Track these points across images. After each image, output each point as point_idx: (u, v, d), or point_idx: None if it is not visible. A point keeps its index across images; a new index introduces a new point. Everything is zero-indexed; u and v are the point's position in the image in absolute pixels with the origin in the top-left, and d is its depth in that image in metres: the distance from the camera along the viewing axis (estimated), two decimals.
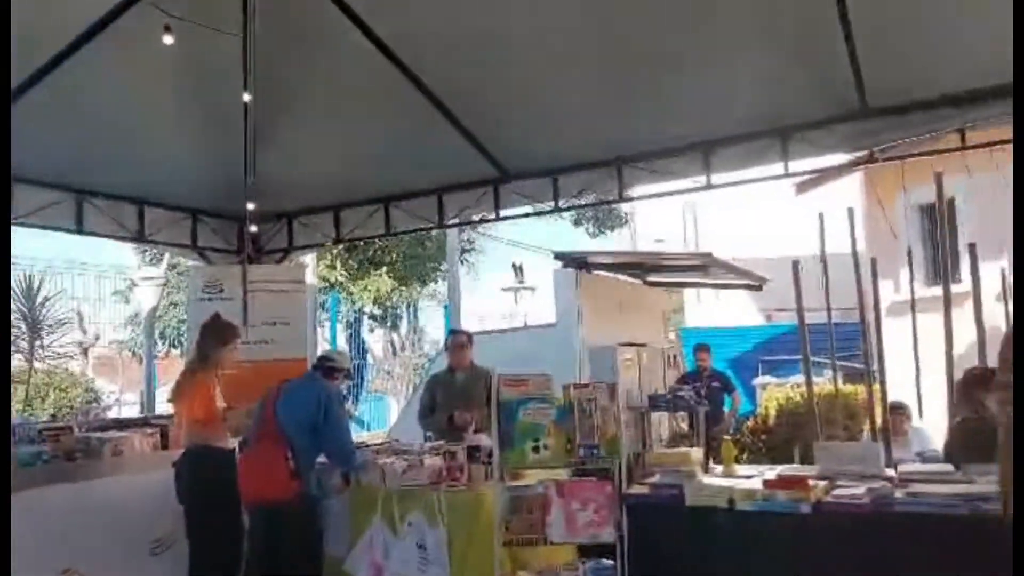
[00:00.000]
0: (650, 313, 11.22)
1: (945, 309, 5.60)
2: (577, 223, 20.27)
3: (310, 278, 7.87)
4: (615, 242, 21.68)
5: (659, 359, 9.82)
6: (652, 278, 10.76)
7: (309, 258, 8.00)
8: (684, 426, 8.68)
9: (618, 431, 4.00)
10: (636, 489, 4.02)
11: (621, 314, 9.54)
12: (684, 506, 3.81)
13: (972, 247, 5.71)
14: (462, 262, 17.45)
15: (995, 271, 6.26)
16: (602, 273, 9.73)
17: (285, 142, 5.72)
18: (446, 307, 16.25)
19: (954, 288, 5.91)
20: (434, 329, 19.08)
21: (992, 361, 5.85)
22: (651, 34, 4.49)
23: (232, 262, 6.97)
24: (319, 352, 6.84)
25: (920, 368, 6.15)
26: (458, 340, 6.27)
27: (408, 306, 19.31)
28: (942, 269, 6.01)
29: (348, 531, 4.70)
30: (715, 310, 17.24)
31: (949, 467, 3.96)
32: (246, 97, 4.74)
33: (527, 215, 6.76)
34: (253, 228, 6.39)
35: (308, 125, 5.71)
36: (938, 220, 5.88)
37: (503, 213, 6.54)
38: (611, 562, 3.99)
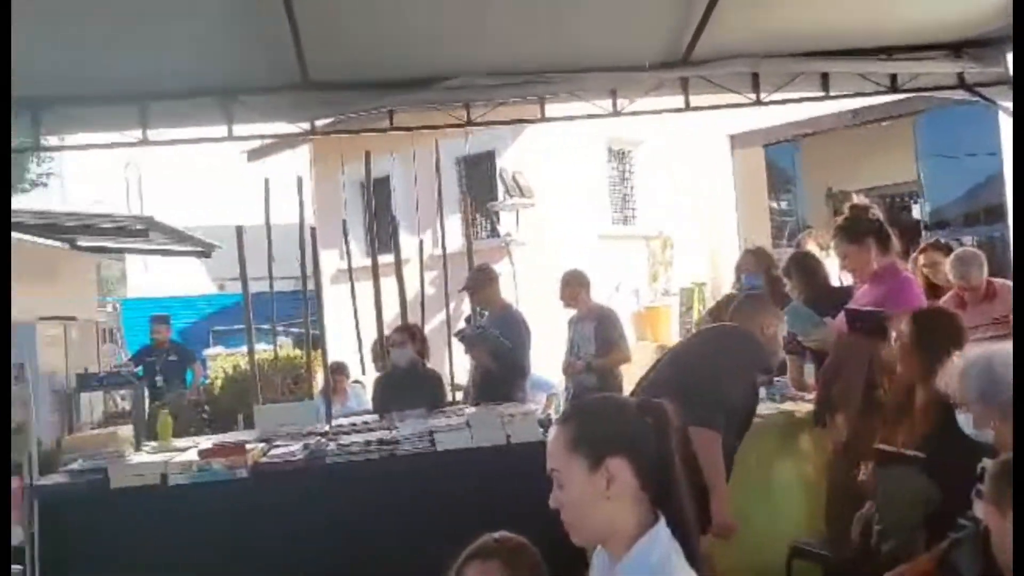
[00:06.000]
0: (80, 281, 10.04)
1: (374, 277, 6.17)
2: None
3: None
4: (36, 200, 18.62)
5: (93, 333, 8.86)
6: (83, 242, 9.59)
7: None
8: (126, 405, 8.03)
9: (28, 418, 3.46)
10: (49, 480, 3.53)
11: (42, 283, 8.32)
12: (109, 490, 3.47)
13: (393, 221, 6.41)
14: None
15: (415, 244, 7.12)
16: (15, 235, 8.33)
17: None
18: None
19: (386, 258, 6.55)
20: None
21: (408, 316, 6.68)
22: None
23: None
24: None
25: (360, 330, 6.70)
26: None
27: None
28: (372, 241, 6.58)
29: None
30: (165, 279, 16.29)
31: (374, 417, 4.38)
32: None
33: None
34: None
35: None
36: (367, 195, 6.44)
37: None
38: (19, 567, 3.42)
